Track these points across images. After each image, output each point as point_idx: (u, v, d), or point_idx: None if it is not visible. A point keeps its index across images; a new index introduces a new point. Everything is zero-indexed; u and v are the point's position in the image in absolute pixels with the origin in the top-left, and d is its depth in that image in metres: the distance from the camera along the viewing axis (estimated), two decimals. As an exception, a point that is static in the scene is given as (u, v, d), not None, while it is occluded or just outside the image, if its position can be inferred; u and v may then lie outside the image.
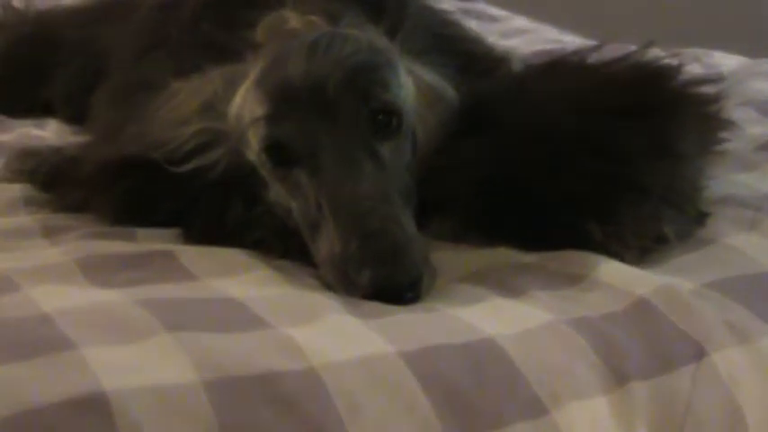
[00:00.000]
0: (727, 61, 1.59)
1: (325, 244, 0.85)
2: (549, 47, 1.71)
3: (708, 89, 0.99)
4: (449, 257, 0.89)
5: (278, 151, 0.91)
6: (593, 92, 0.94)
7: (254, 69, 0.95)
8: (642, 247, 0.88)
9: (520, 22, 2.07)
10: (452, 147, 0.94)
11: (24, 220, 1.00)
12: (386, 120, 0.91)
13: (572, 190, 0.88)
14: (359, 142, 0.89)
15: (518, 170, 0.90)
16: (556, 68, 1.02)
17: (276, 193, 0.94)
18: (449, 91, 1.00)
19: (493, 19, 2.07)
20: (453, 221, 0.93)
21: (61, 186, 1.03)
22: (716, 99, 0.99)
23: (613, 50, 1.04)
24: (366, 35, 0.96)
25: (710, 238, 0.91)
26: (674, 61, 0.99)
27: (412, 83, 0.96)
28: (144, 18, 1.23)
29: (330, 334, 0.73)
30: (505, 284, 0.83)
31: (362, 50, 0.92)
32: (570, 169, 0.88)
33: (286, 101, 0.90)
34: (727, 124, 1.01)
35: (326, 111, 0.89)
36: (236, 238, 0.92)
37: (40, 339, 0.68)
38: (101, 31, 1.46)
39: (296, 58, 0.91)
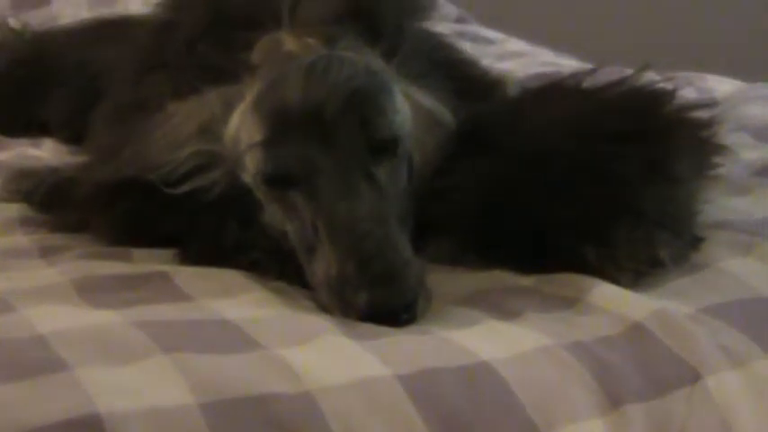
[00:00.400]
0: (721, 86, 1.59)
1: (321, 266, 0.85)
2: (544, 70, 1.71)
3: (702, 114, 1.00)
4: (444, 280, 0.89)
5: (275, 174, 0.91)
6: (589, 116, 0.94)
7: (250, 91, 0.95)
8: (637, 270, 0.88)
9: (515, 44, 2.06)
10: (449, 170, 0.95)
11: (21, 240, 1.00)
12: (382, 144, 0.91)
13: (568, 213, 0.88)
14: (356, 166, 0.89)
15: (515, 193, 0.90)
16: (552, 92, 1.02)
17: (271, 215, 0.94)
18: (446, 114, 1.00)
19: (488, 41, 2.07)
20: (450, 244, 0.93)
21: (58, 207, 1.03)
22: (710, 124, 1.00)
23: (609, 74, 1.05)
24: (363, 58, 0.96)
25: (705, 262, 0.91)
26: (668, 86, 1.00)
27: (409, 107, 0.96)
28: (142, 39, 1.22)
29: (325, 356, 0.73)
30: (501, 307, 0.84)
31: (359, 74, 0.92)
32: (566, 193, 0.89)
33: (283, 125, 0.90)
34: (722, 149, 1.02)
35: (323, 135, 0.89)
36: (232, 260, 0.92)
37: (35, 360, 0.68)
38: (98, 51, 1.46)
39: (293, 82, 0.91)
